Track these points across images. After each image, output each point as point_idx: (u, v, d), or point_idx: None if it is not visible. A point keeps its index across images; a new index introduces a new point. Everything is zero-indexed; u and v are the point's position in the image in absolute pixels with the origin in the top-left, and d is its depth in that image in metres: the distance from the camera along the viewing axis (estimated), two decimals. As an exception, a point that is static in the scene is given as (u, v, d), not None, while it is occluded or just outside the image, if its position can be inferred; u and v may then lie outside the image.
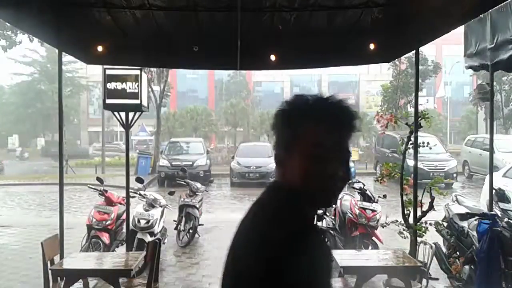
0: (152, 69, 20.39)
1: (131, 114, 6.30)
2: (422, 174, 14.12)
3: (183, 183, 9.01)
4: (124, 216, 6.74)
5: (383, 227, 6.54)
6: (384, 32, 5.64)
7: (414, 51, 5.90)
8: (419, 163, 14.49)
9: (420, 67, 21.23)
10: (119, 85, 5.97)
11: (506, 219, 4.94)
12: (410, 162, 16.14)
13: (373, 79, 45.54)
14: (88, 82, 47.84)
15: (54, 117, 35.64)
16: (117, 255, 5.99)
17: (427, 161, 15.88)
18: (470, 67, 5.94)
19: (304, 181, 1.19)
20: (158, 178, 18.63)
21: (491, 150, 6.26)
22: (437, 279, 5.31)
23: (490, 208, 5.74)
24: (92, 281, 5.00)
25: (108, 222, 6.65)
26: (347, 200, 7.21)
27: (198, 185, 8.95)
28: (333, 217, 7.29)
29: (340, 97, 1.24)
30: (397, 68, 23.98)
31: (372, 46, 5.76)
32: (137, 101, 6.00)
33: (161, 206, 7.28)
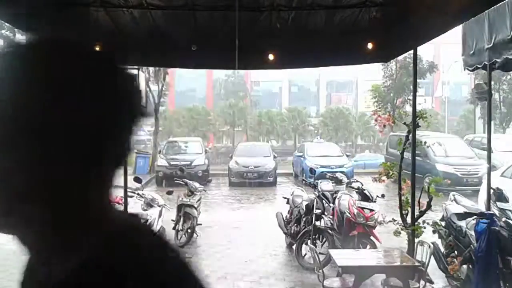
0: (149, 68, 20.38)
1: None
2: (455, 180, 13.18)
3: (181, 182, 9.00)
4: (122, 216, 6.73)
5: (379, 224, 6.54)
6: (382, 31, 5.65)
7: (412, 51, 5.91)
8: (449, 168, 14.31)
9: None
10: (116, 85, 5.96)
11: (504, 219, 4.95)
12: (440, 167, 15.42)
13: (372, 79, 45.63)
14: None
15: (52, 117, 35.42)
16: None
17: (458, 166, 14.72)
18: (468, 66, 5.95)
19: None
20: (156, 178, 18.61)
21: (489, 150, 6.27)
22: (432, 283, 5.31)
23: (488, 207, 5.74)
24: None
25: (106, 221, 6.65)
26: (345, 199, 7.21)
27: (196, 184, 8.94)
28: (331, 217, 7.29)
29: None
30: (389, 69, 23.98)
31: (370, 45, 5.76)
32: (135, 101, 5.99)
33: (159, 206, 7.28)
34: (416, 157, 17.53)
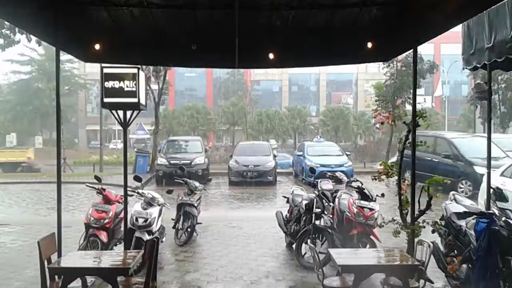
0: (150, 67, 20.37)
1: (129, 113, 6.29)
2: None
3: (181, 181, 9.00)
4: (122, 215, 6.73)
5: (380, 227, 6.54)
6: (382, 31, 5.65)
7: (412, 50, 5.91)
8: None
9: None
10: (116, 84, 5.94)
11: (503, 218, 4.94)
12: (479, 169, 14.54)
13: (371, 78, 45.62)
14: (86, 80, 47.82)
15: (52, 116, 35.59)
16: (115, 253, 5.98)
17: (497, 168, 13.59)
18: (468, 66, 5.95)
19: None
20: (156, 177, 18.61)
21: (489, 149, 6.27)
22: (432, 282, 5.30)
23: (488, 207, 5.74)
24: (89, 279, 5.00)
25: (106, 220, 6.64)
26: (345, 198, 7.20)
27: (196, 183, 8.94)
28: (331, 216, 7.29)
29: None
30: (391, 68, 23.94)
31: (370, 44, 5.77)
32: (135, 100, 5.98)
33: (159, 205, 7.28)
34: (446, 159, 16.28)
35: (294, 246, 7.20)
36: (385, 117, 6.55)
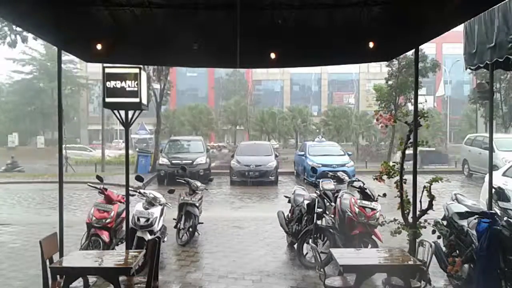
0: (152, 67, 20.39)
1: (130, 113, 6.29)
2: None
3: (183, 181, 9.01)
4: (124, 215, 6.74)
5: (381, 225, 6.53)
6: (383, 30, 5.64)
7: (413, 50, 5.91)
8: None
9: (419, 65, 20.96)
10: (118, 84, 5.94)
11: (505, 218, 4.93)
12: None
13: (373, 78, 45.61)
14: (88, 80, 47.89)
15: (54, 115, 35.66)
16: (116, 253, 5.99)
17: None
18: (470, 66, 5.93)
19: None
20: (158, 177, 18.64)
21: (491, 149, 6.26)
22: (431, 284, 5.29)
23: (490, 207, 5.73)
24: (91, 279, 5.00)
25: (108, 220, 6.65)
26: (347, 198, 7.20)
27: (198, 183, 8.94)
28: (332, 216, 7.29)
29: None
30: (393, 67, 23.89)
31: (371, 44, 5.76)
32: (136, 100, 5.98)
33: (160, 205, 7.29)
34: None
35: (295, 246, 7.20)
36: (387, 120, 6.53)
